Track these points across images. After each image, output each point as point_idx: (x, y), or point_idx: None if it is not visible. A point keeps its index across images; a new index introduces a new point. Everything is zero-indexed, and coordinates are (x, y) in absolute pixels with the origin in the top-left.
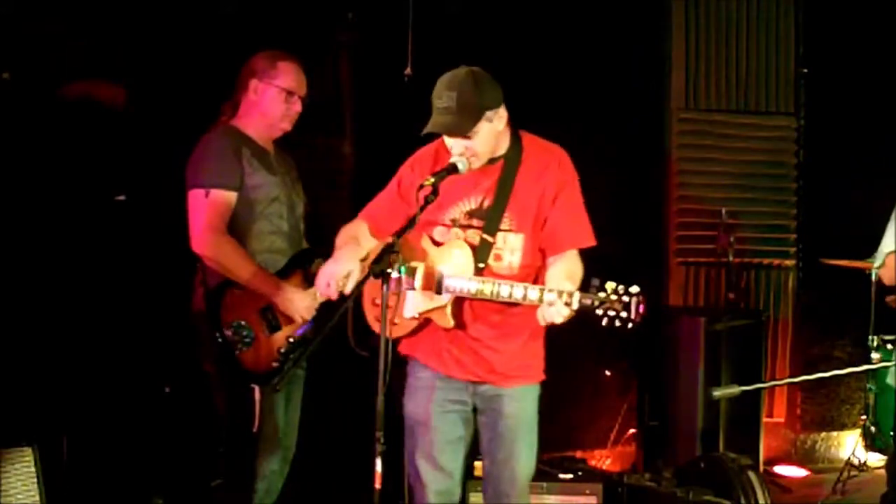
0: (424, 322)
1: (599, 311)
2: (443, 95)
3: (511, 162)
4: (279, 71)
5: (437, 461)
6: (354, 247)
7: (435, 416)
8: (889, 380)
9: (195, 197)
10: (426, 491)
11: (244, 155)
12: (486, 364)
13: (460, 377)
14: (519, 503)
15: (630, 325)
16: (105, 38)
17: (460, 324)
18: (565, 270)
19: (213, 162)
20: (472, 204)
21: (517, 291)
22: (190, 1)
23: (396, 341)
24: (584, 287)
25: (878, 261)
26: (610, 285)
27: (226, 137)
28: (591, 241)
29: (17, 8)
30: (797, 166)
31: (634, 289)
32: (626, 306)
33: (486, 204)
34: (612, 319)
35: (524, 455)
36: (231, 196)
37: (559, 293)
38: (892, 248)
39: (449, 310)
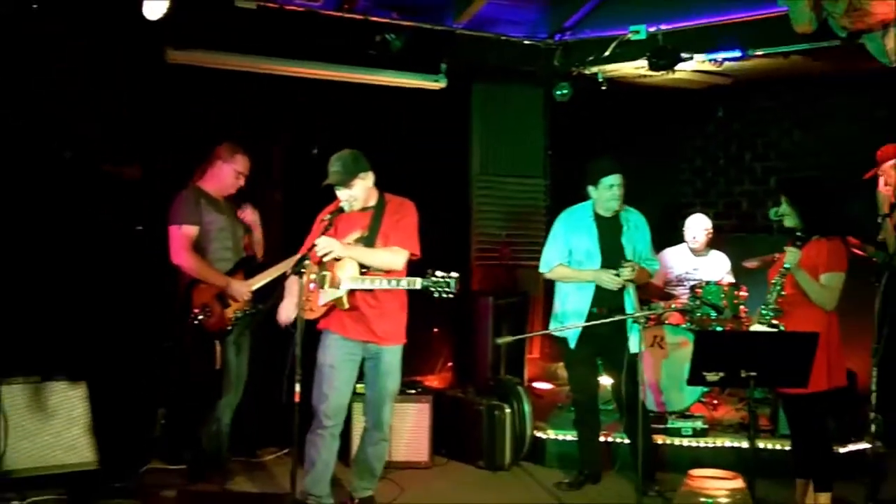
0: (332, 307)
1: (432, 289)
2: (334, 164)
3: (378, 208)
4: (236, 159)
5: (336, 387)
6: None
7: (338, 361)
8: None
9: (173, 230)
10: (329, 402)
11: (202, 203)
12: (370, 330)
13: (355, 338)
14: (387, 412)
15: (451, 296)
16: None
17: (353, 306)
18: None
19: (183, 208)
20: (357, 234)
21: (385, 283)
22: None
23: (315, 321)
24: (422, 274)
25: (544, 267)
26: (439, 273)
27: (192, 193)
28: (416, 251)
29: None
30: (545, 208)
31: (454, 274)
32: (449, 284)
33: (365, 234)
34: (440, 293)
35: (392, 386)
36: (195, 229)
37: (410, 282)
38: (559, 261)
39: (345, 298)
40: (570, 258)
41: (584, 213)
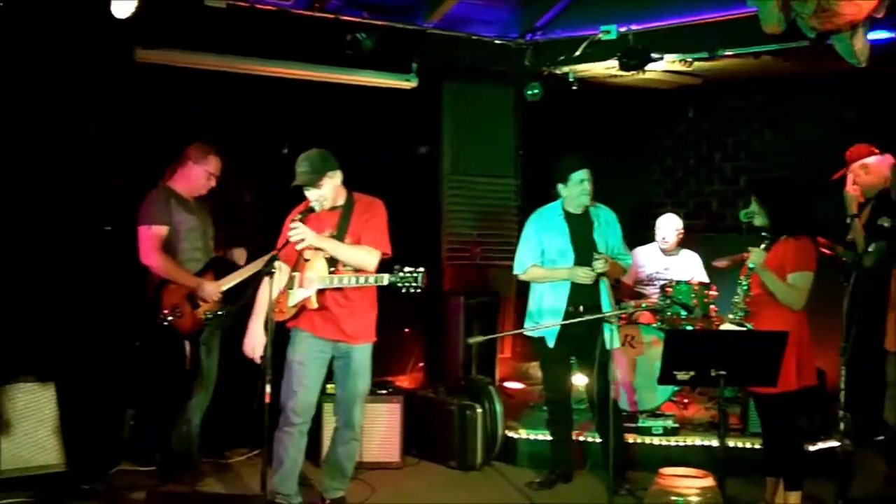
0: (302, 307)
1: (400, 284)
2: (302, 164)
3: (347, 208)
4: (208, 160)
5: (305, 384)
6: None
7: (307, 358)
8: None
9: (142, 230)
10: (297, 399)
11: (172, 203)
12: (340, 329)
13: (325, 337)
14: (357, 412)
15: (419, 291)
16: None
17: (322, 305)
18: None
19: (153, 208)
20: (327, 234)
21: (354, 280)
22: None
23: (285, 321)
24: (390, 271)
25: (518, 269)
26: (407, 269)
27: (161, 193)
28: (388, 250)
29: None
30: (516, 207)
31: (420, 269)
32: (416, 279)
33: (334, 233)
34: (408, 288)
35: (363, 385)
36: (164, 229)
37: (378, 278)
38: (532, 262)
39: (314, 297)
40: (543, 258)
41: (553, 212)
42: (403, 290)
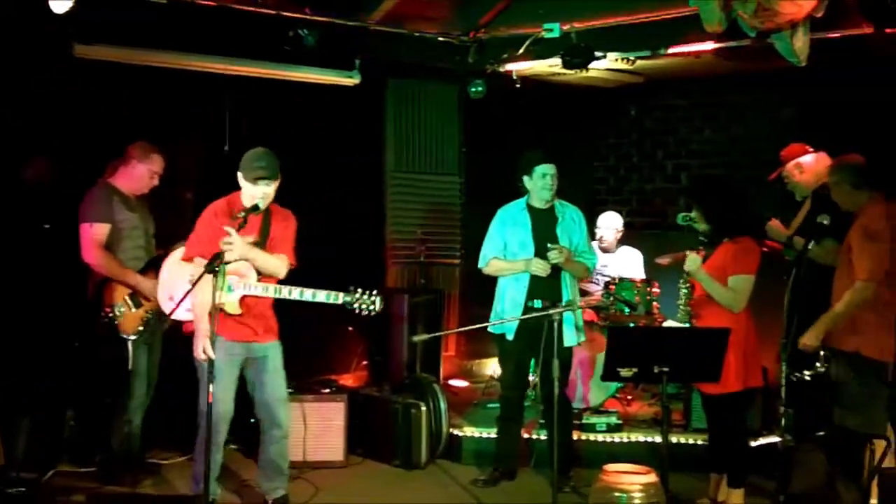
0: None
1: (355, 305)
2: (265, 158)
3: (267, 214)
4: (152, 159)
5: (222, 384)
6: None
7: (222, 362)
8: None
9: (84, 228)
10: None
11: (114, 201)
12: (251, 330)
13: (237, 339)
14: (283, 412)
15: (374, 314)
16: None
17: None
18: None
19: (94, 206)
20: (251, 238)
21: (299, 294)
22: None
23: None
24: (345, 290)
25: (481, 262)
26: (359, 290)
27: (103, 191)
28: (294, 261)
29: None
30: (460, 205)
31: (376, 294)
32: (374, 303)
33: (257, 239)
34: (363, 310)
35: (283, 382)
36: (106, 227)
37: (332, 296)
38: (494, 255)
39: (237, 303)
40: (505, 251)
41: (518, 206)
42: (357, 312)
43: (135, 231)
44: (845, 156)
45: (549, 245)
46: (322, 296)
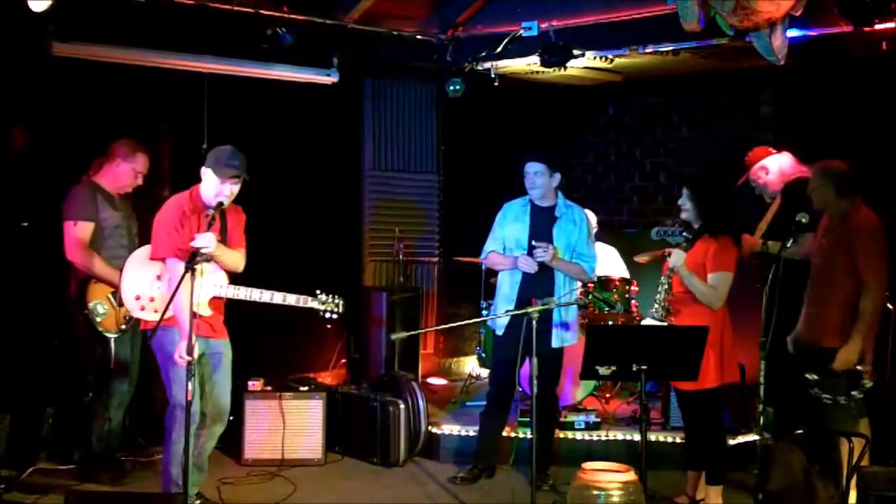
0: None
1: (324, 308)
2: (238, 158)
3: (223, 214)
4: (136, 158)
5: (192, 382)
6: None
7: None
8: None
9: (68, 226)
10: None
11: (98, 199)
12: (209, 326)
13: (198, 335)
14: (228, 408)
15: (337, 317)
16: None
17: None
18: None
19: (78, 204)
20: (216, 236)
21: (268, 296)
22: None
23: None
24: (313, 294)
25: (482, 255)
26: (324, 294)
27: (87, 189)
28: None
29: None
30: (438, 203)
31: (339, 299)
32: (338, 306)
33: (219, 238)
34: (329, 314)
35: (229, 381)
36: (90, 225)
37: (301, 299)
38: (493, 249)
39: (206, 304)
40: (504, 247)
41: (521, 203)
42: (323, 314)
43: (118, 230)
44: (830, 161)
45: (533, 243)
46: (292, 299)
